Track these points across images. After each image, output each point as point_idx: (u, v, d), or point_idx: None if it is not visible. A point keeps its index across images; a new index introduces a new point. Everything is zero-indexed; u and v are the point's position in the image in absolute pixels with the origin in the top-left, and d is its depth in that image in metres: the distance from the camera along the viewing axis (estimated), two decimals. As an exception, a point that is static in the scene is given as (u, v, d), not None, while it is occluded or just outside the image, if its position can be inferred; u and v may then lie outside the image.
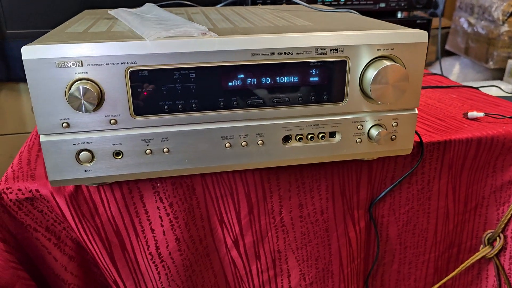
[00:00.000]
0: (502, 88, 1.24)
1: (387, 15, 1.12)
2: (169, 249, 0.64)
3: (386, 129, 0.59)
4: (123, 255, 0.63)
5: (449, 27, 2.32)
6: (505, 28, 1.93)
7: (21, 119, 1.37)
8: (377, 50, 0.55)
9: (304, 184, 0.68)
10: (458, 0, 2.25)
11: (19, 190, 0.58)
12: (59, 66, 0.48)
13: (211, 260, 0.70)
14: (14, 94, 1.35)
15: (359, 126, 0.59)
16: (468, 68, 2.17)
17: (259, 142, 0.57)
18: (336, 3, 1.05)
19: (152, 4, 0.72)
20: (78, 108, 0.49)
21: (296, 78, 0.55)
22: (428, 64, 2.19)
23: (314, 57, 0.54)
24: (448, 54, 2.34)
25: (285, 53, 0.53)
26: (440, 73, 1.18)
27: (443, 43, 2.35)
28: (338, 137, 0.59)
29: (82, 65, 0.49)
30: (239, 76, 0.53)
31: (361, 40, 0.54)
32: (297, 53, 0.53)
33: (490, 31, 1.97)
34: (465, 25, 2.16)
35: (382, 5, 1.07)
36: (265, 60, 0.53)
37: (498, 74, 2.07)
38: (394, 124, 0.60)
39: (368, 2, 1.06)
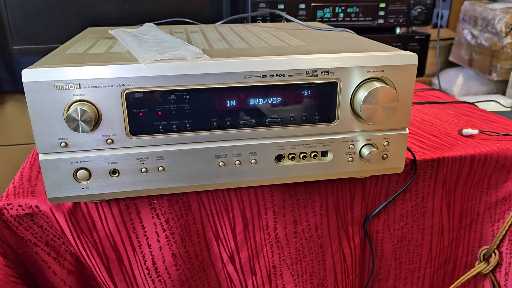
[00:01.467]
0: (501, 102, 1.25)
1: (386, 31, 1.14)
2: (165, 264, 0.66)
3: (377, 149, 0.60)
4: (120, 269, 0.65)
5: (453, 39, 2.33)
6: (508, 40, 1.94)
7: (27, 130, 1.40)
8: (368, 72, 0.56)
9: (298, 200, 0.69)
10: (461, 12, 2.26)
11: (20, 206, 0.60)
12: (58, 88, 0.50)
13: (207, 275, 0.71)
14: (21, 105, 1.38)
15: (350, 146, 0.60)
16: (472, 80, 2.17)
17: (252, 161, 0.58)
18: (335, 19, 1.07)
19: (151, 24, 0.74)
20: (76, 129, 0.51)
21: (288, 99, 0.56)
22: (432, 75, 2.20)
23: (305, 79, 0.55)
24: (452, 65, 2.35)
25: (276, 75, 0.55)
26: (442, 86, 1.19)
27: (447, 54, 2.36)
28: (330, 156, 0.60)
29: (80, 87, 0.51)
30: (232, 98, 0.55)
31: (351, 62, 0.56)
32: (288, 75, 0.55)
33: (493, 43, 1.98)
34: (469, 37, 2.17)
35: (381, 21, 1.09)
36: (257, 82, 0.54)
37: (502, 86, 2.07)
38: (385, 144, 0.61)
39: (366, 19, 1.07)
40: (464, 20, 2.24)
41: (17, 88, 1.34)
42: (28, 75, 0.49)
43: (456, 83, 2.22)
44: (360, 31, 0.79)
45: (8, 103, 1.37)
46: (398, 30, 1.13)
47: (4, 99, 1.36)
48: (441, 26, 2.27)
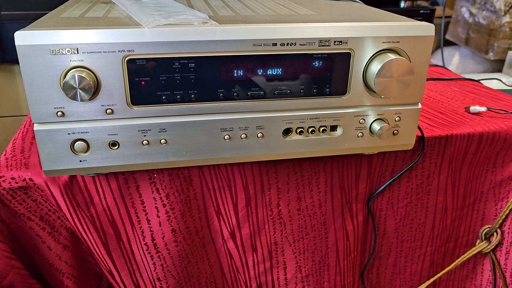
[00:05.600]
0: (503, 81, 1.23)
1: (390, 4, 1.10)
2: (165, 240, 0.64)
3: (389, 124, 0.58)
4: (118, 245, 0.63)
5: (450, 17, 2.30)
6: (506, 19, 1.91)
7: (16, 102, 1.35)
8: (382, 42, 0.54)
9: (303, 177, 0.67)
10: (460, -11, 2.22)
11: (13, 178, 0.57)
12: (54, 53, 0.47)
13: (207, 251, 0.69)
14: (9, 76, 1.33)
15: (361, 120, 0.58)
16: (468, 59, 2.15)
17: (259, 134, 0.55)
18: (338, -10, 1.02)
19: (151, -11, 0.69)
20: (73, 97, 0.48)
21: (299, 70, 0.53)
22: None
23: (317, 49, 0.52)
24: (448, 44, 2.32)
25: (287, 44, 0.51)
26: (441, 64, 1.17)
27: (444, 33, 2.33)
28: (339, 131, 0.58)
29: (77, 53, 0.47)
30: (239, 67, 0.52)
31: (366, 32, 0.53)
32: (300, 44, 0.52)
33: (491, 21, 1.95)
34: (467, 15, 2.14)
35: (386, -6, 1.05)
36: (267, 51, 0.51)
37: (498, 65, 2.05)
38: (396, 119, 0.58)
39: (371, -9, 1.03)
40: (463, -3, 2.21)
41: (5, 58, 1.29)
42: (22, 37, 0.46)
43: (452, 62, 2.20)
44: (365, 4, 0.75)
45: (-5, 73, 1.32)
46: (402, 4, 1.10)
47: (-9, 69, 1.31)
48: (438, 4, 2.24)
